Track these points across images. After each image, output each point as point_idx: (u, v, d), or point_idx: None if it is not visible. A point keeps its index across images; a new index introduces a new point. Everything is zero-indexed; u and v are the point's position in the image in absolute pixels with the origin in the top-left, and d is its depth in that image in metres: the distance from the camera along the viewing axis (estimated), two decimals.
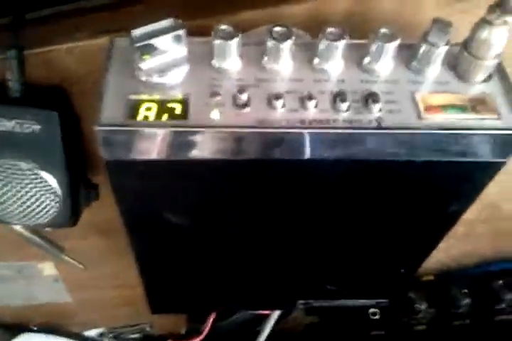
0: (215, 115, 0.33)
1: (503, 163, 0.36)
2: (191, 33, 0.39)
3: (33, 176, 0.47)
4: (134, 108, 0.33)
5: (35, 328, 0.93)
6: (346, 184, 0.39)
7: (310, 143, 0.34)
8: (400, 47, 0.34)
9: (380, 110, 0.33)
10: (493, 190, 0.64)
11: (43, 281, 0.80)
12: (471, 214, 0.67)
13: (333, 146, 0.34)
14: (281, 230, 0.46)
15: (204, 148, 0.34)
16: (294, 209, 0.42)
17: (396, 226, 0.45)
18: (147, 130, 0.32)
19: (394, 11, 0.39)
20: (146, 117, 0.33)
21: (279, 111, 0.33)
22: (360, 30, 0.37)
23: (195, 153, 0.34)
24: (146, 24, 0.33)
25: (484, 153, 0.35)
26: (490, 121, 0.34)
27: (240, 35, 0.33)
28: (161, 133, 0.33)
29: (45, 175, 0.47)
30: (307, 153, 0.34)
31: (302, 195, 0.40)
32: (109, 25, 0.41)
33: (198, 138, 0.33)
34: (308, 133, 0.33)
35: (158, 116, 0.33)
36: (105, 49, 0.36)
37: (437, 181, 0.38)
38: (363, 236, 0.47)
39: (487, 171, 0.37)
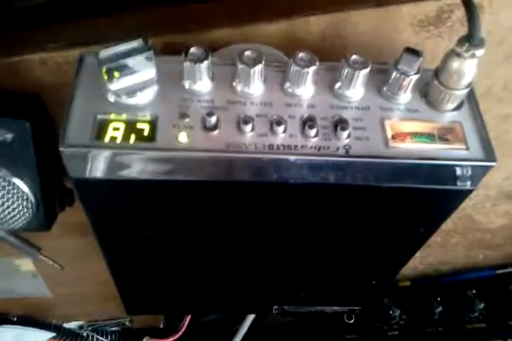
0: (182, 138, 0.33)
1: (470, 191, 0.36)
2: (165, 48, 0.38)
3: (5, 183, 0.47)
4: (101, 128, 0.33)
5: (15, 319, 0.93)
6: (314, 205, 0.39)
7: (278, 167, 0.34)
8: (372, 71, 0.34)
9: (349, 136, 0.33)
10: (468, 204, 0.65)
11: (22, 276, 0.80)
12: (447, 225, 0.68)
13: (301, 171, 0.34)
14: (252, 243, 0.46)
15: (171, 169, 0.34)
16: (264, 227, 0.42)
17: (368, 243, 0.46)
18: (114, 152, 0.32)
19: (369, 34, 0.39)
20: (113, 138, 0.32)
21: (248, 135, 0.33)
22: (335, 51, 0.37)
23: (163, 174, 0.34)
24: (118, 40, 0.33)
25: (451, 182, 0.35)
26: (457, 152, 0.34)
27: (210, 57, 0.33)
28: (127, 155, 0.32)
29: (17, 182, 0.47)
30: (275, 177, 0.34)
31: (273, 215, 0.40)
32: (82, 37, 0.40)
33: (165, 160, 0.33)
34: (276, 158, 0.33)
35: (126, 137, 0.33)
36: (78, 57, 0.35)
37: (406, 205, 0.39)
38: (335, 251, 0.48)
39: (455, 198, 0.37)
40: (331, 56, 0.35)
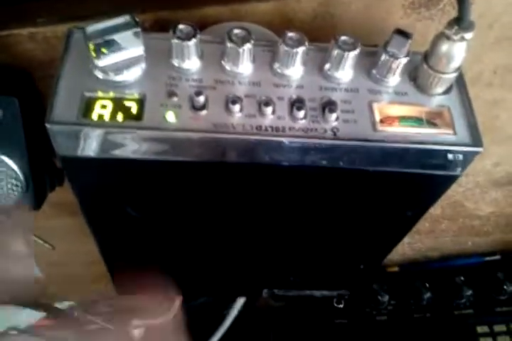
0: (170, 117, 0.33)
1: (457, 176, 0.36)
2: (154, 24, 0.38)
3: None
4: (88, 105, 0.32)
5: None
6: (300, 188, 0.38)
7: (265, 149, 0.34)
8: (362, 53, 0.33)
9: (337, 119, 0.33)
10: (457, 191, 0.65)
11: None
12: (436, 211, 0.69)
13: (289, 153, 0.34)
14: (239, 225, 0.46)
15: (157, 149, 0.34)
16: (252, 208, 0.42)
17: (355, 227, 0.46)
18: (100, 130, 0.32)
19: (360, 15, 0.39)
20: (100, 116, 0.32)
21: (236, 116, 0.33)
22: (326, 31, 0.37)
23: (149, 154, 0.34)
24: (107, 15, 0.32)
25: (438, 167, 0.35)
26: (445, 136, 0.33)
27: (198, 35, 0.32)
28: (114, 133, 0.32)
29: (6, 160, 0.47)
30: (263, 158, 0.34)
31: (260, 196, 0.40)
32: (72, 11, 0.40)
33: (151, 140, 0.33)
34: (264, 140, 0.33)
35: (113, 115, 0.32)
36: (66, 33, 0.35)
37: (393, 189, 0.39)
38: (323, 234, 0.48)
39: (442, 183, 0.37)
40: (321, 35, 0.35)
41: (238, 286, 0.65)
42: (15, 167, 0.47)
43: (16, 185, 0.49)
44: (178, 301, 0.81)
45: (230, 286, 0.65)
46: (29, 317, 0.95)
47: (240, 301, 0.79)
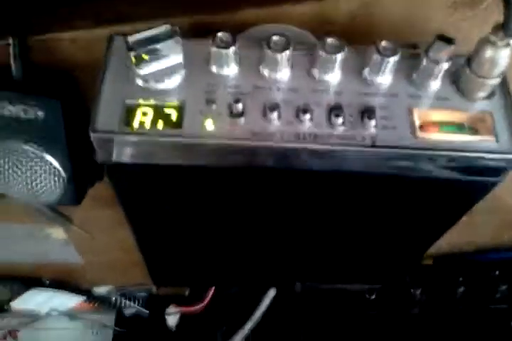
0: (209, 124, 0.33)
1: (497, 182, 0.36)
2: (191, 28, 0.38)
3: (37, 159, 0.48)
4: (129, 113, 0.33)
5: (47, 282, 0.97)
6: (339, 192, 0.39)
7: (303, 156, 0.34)
8: (402, 57, 0.33)
9: (376, 126, 0.33)
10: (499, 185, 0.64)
11: (54, 243, 0.83)
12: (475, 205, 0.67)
13: (327, 160, 0.34)
14: (277, 225, 0.46)
15: (197, 156, 0.34)
16: (290, 211, 0.43)
17: (392, 230, 0.46)
18: (141, 138, 0.33)
19: (401, 15, 0.38)
20: (141, 123, 0.33)
21: (274, 123, 0.33)
22: (365, 31, 0.36)
23: (189, 160, 0.34)
24: (143, 18, 0.33)
25: (479, 174, 0.34)
26: (486, 143, 0.33)
27: (237, 43, 0.32)
28: (155, 141, 0.33)
29: (49, 158, 0.48)
30: (301, 165, 0.34)
31: (298, 199, 0.40)
32: (110, 15, 0.40)
33: (191, 147, 0.33)
34: (302, 148, 0.33)
35: (154, 122, 0.33)
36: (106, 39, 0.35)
37: (431, 195, 0.38)
38: (360, 236, 0.48)
39: (482, 189, 0.37)
40: (360, 36, 0.34)
41: (271, 279, 0.66)
42: (57, 164, 0.49)
43: (58, 182, 0.51)
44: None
45: (264, 278, 0.65)
46: (68, 300, 0.99)
47: (273, 291, 0.80)
